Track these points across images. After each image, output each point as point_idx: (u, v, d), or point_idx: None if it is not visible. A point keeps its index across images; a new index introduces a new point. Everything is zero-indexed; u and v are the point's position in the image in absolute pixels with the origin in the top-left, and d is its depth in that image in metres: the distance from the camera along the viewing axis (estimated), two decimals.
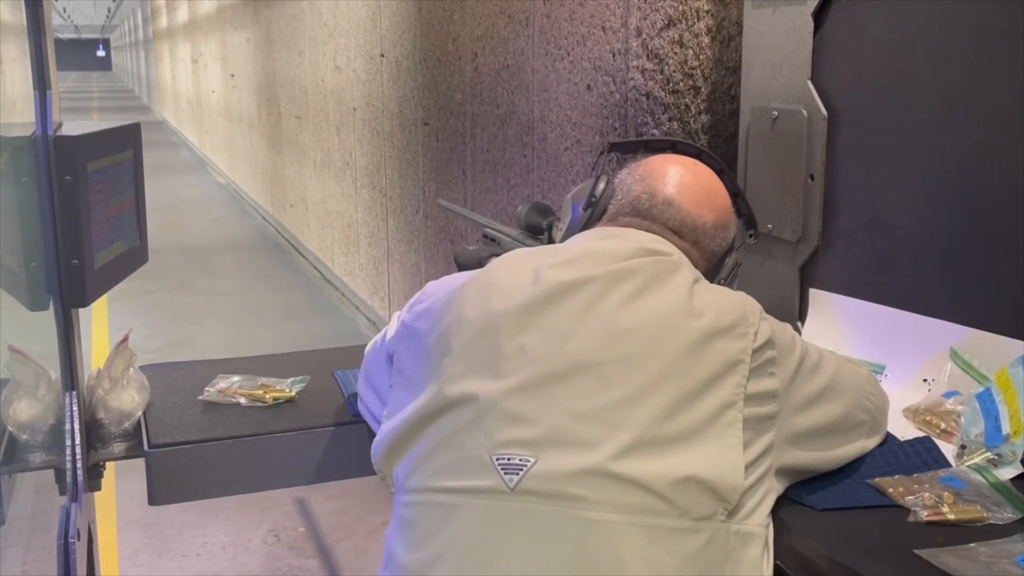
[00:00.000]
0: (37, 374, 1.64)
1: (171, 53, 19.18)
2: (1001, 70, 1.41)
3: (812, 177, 1.75)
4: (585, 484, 1.08)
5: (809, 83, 1.74)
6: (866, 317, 1.66)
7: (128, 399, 1.68)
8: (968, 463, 1.32)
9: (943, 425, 1.42)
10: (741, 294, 1.25)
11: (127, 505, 3.40)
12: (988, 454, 1.31)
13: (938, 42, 1.51)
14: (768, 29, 1.83)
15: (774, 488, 1.18)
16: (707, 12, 2.18)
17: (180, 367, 1.95)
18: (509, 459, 1.11)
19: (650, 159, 1.48)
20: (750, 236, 1.56)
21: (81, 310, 1.71)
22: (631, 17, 2.39)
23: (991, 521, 1.17)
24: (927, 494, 1.22)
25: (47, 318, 1.63)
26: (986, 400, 1.34)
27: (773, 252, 1.86)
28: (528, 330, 1.18)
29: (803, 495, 1.24)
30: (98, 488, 1.71)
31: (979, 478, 1.28)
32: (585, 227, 1.45)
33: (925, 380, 1.53)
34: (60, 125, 1.66)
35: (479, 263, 1.61)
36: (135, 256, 1.83)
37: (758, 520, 1.14)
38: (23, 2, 1.58)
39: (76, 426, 1.57)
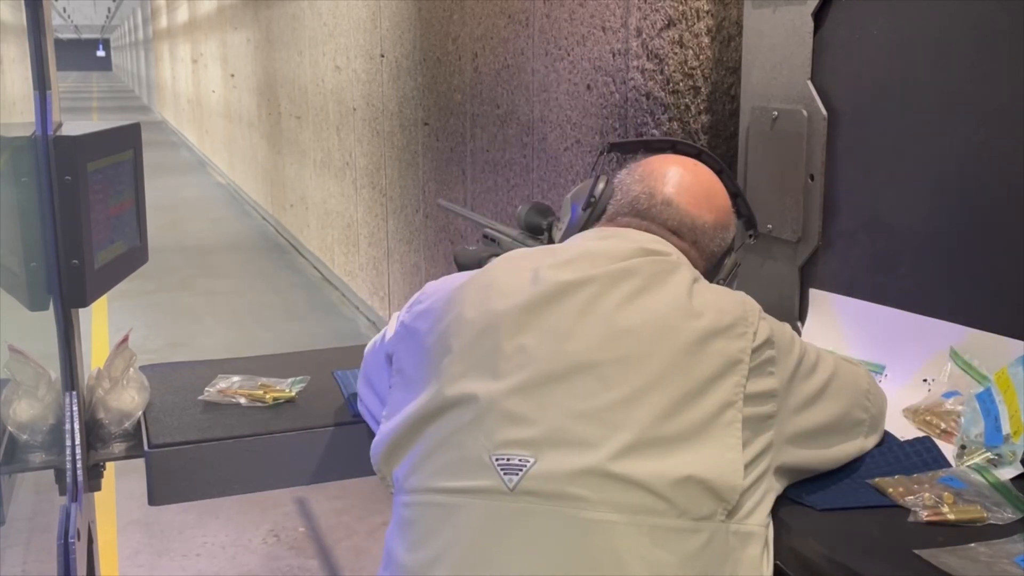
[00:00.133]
0: (37, 374, 1.64)
1: (171, 53, 19.18)
2: (1001, 70, 1.41)
3: (812, 177, 1.75)
4: (585, 484, 1.08)
5: (809, 83, 1.74)
6: (866, 317, 1.66)
7: (128, 399, 1.68)
8: (968, 463, 1.32)
9: (943, 425, 1.42)
10: (740, 294, 1.25)
11: (127, 505, 3.40)
12: (988, 454, 1.31)
13: (938, 42, 1.51)
14: (768, 29, 1.83)
15: (773, 488, 1.18)
16: (707, 12, 2.18)
17: (180, 367, 1.95)
18: (509, 459, 1.11)
19: (650, 159, 1.48)
20: (750, 236, 1.56)
21: (81, 310, 1.71)
22: (631, 17, 2.39)
23: (991, 521, 1.17)
24: (927, 494, 1.22)
25: (47, 318, 1.63)
26: (986, 400, 1.34)
27: (773, 252, 1.86)
28: (528, 330, 1.18)
29: (803, 495, 1.24)
30: (98, 488, 1.71)
31: (979, 478, 1.28)
32: (584, 227, 1.45)
33: (925, 380, 1.53)
34: (60, 125, 1.66)
35: (479, 263, 1.61)
36: (135, 256, 1.83)
37: (758, 520, 1.14)
38: (23, 2, 1.58)
39: (76, 426, 1.57)
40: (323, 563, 3.15)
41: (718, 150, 2.17)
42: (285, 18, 7.39)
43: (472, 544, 1.11)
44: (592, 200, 1.46)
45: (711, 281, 1.38)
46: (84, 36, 70.29)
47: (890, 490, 1.25)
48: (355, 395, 1.60)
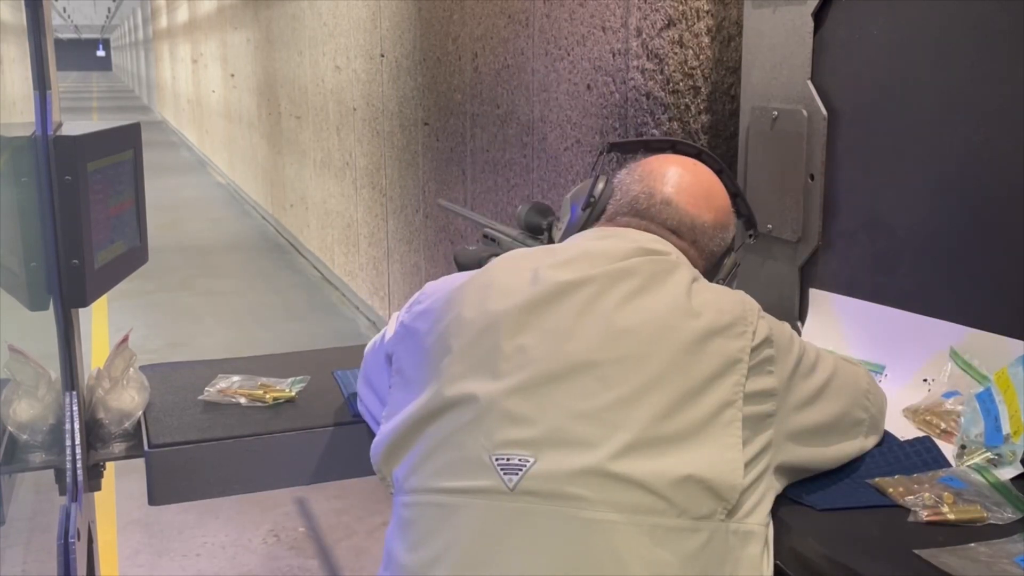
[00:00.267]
0: (37, 374, 1.64)
1: (171, 53, 19.18)
2: (1001, 70, 1.41)
3: (812, 177, 1.75)
4: (584, 484, 1.08)
5: (809, 83, 1.74)
6: (866, 317, 1.66)
7: (128, 399, 1.68)
8: (968, 463, 1.32)
9: (943, 425, 1.42)
10: (739, 293, 1.25)
11: (127, 505, 3.40)
12: (988, 454, 1.31)
13: (938, 42, 1.51)
14: (768, 29, 1.83)
15: (773, 487, 1.18)
16: (707, 12, 2.18)
17: (180, 367, 1.95)
18: (508, 459, 1.11)
19: (649, 159, 1.48)
20: (750, 236, 1.56)
21: (81, 310, 1.71)
22: (631, 17, 2.39)
23: (991, 521, 1.17)
24: (927, 494, 1.22)
25: (47, 318, 1.63)
26: (986, 400, 1.34)
27: (773, 252, 1.86)
28: (527, 330, 1.18)
29: (803, 495, 1.24)
30: (98, 488, 1.71)
31: (979, 478, 1.28)
32: (584, 227, 1.45)
33: (925, 380, 1.53)
34: (60, 125, 1.66)
35: (479, 263, 1.61)
36: (135, 256, 1.83)
37: (758, 519, 1.14)
38: (23, 2, 1.58)
39: (76, 426, 1.57)
40: (323, 563, 3.15)
41: (718, 150, 2.17)
42: (285, 18, 7.39)
43: (472, 544, 1.11)
44: (592, 200, 1.46)
45: (711, 281, 1.38)
46: (84, 36, 70.30)
47: (890, 490, 1.25)
48: (355, 395, 1.60)
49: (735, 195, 1.50)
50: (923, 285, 1.57)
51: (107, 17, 47.38)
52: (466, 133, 3.65)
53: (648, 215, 1.39)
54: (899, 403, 1.48)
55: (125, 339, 1.74)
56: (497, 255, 1.42)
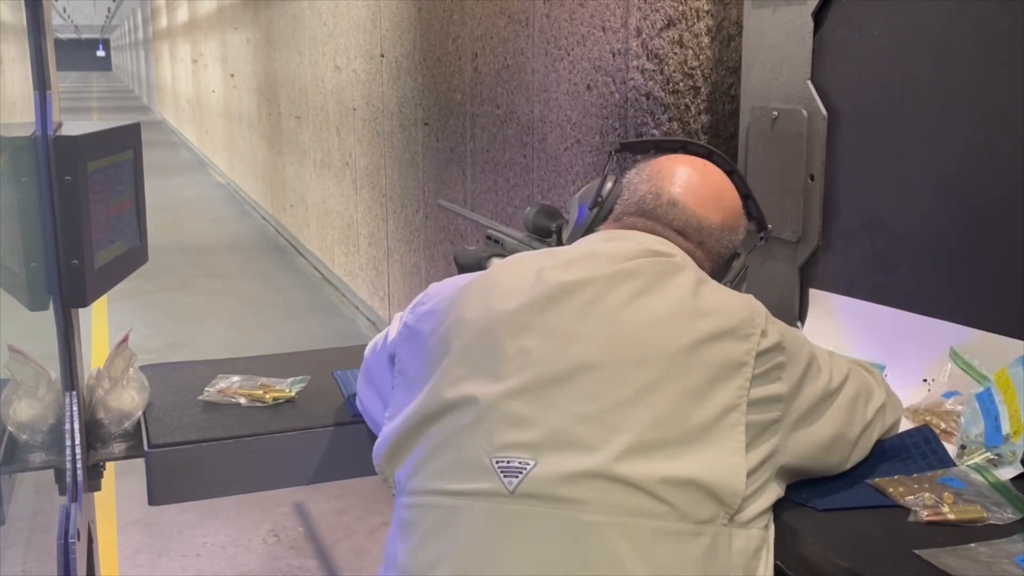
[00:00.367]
0: (37, 374, 1.64)
1: (171, 53, 19.17)
2: (1001, 70, 1.41)
3: (812, 177, 1.75)
4: (585, 487, 1.08)
5: (809, 83, 1.74)
6: (866, 317, 1.66)
7: (128, 399, 1.68)
8: (968, 463, 1.32)
9: (943, 425, 1.42)
10: (748, 296, 1.24)
11: (127, 505, 3.40)
12: (988, 454, 1.31)
13: (938, 42, 1.51)
14: (768, 29, 1.83)
15: (776, 491, 1.18)
16: (707, 12, 2.18)
17: (180, 367, 1.95)
18: (509, 462, 1.11)
19: (659, 159, 1.46)
20: (761, 239, 1.55)
21: (81, 310, 1.71)
22: (631, 17, 2.39)
23: (991, 521, 1.17)
24: (927, 494, 1.22)
25: (47, 318, 1.63)
26: (986, 400, 1.34)
27: (773, 252, 1.86)
28: (529, 332, 1.18)
29: (803, 495, 1.24)
30: (98, 488, 1.71)
31: (979, 478, 1.28)
32: (591, 226, 1.45)
33: (925, 380, 1.53)
34: (60, 125, 1.66)
35: (479, 263, 1.61)
36: (135, 256, 1.83)
37: (760, 523, 1.13)
38: (23, 2, 1.58)
39: (76, 426, 1.57)
40: (323, 563, 3.15)
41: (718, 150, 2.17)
42: (285, 18, 7.39)
43: (472, 547, 1.10)
44: (599, 200, 1.45)
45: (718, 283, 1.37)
46: (84, 36, 70.28)
47: (890, 490, 1.25)
48: (355, 395, 1.60)
49: (746, 197, 1.48)
50: (923, 285, 1.57)
51: (107, 17, 47.38)
52: (466, 133, 3.65)
53: (655, 215, 1.38)
54: None
55: (125, 339, 1.74)
56: (497, 255, 1.42)
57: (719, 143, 2.22)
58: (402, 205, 4.73)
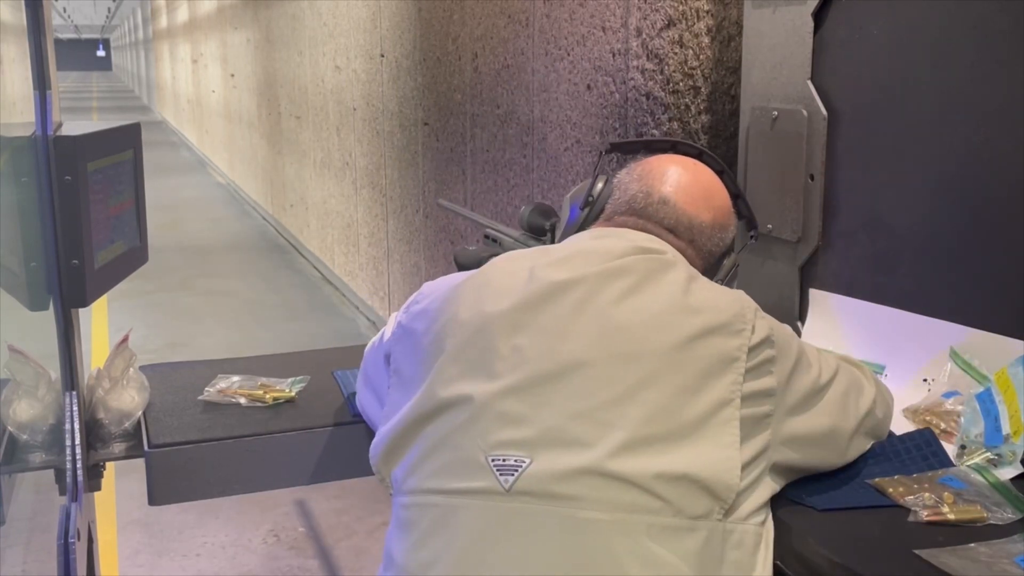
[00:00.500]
0: (37, 374, 1.64)
1: (171, 53, 19.18)
2: (1001, 70, 1.41)
3: (812, 177, 1.75)
4: (580, 484, 1.08)
5: (809, 83, 1.74)
6: (866, 317, 1.66)
7: (128, 399, 1.68)
8: (968, 463, 1.32)
9: (943, 425, 1.42)
10: (738, 292, 1.25)
11: (127, 505, 3.40)
12: (988, 454, 1.31)
13: (938, 42, 1.51)
14: (768, 29, 1.83)
15: (771, 486, 1.18)
16: (707, 12, 2.18)
17: (180, 367, 1.95)
18: (504, 460, 1.11)
19: (650, 159, 1.48)
20: (751, 238, 1.56)
21: (81, 310, 1.71)
22: (631, 17, 2.39)
23: (991, 521, 1.17)
24: (927, 494, 1.22)
25: (47, 318, 1.63)
26: (986, 400, 1.34)
27: (773, 252, 1.86)
28: (523, 330, 1.18)
29: (803, 495, 1.24)
30: (98, 488, 1.71)
31: (979, 478, 1.28)
32: (582, 226, 1.46)
33: (925, 380, 1.53)
34: (60, 125, 1.66)
35: (479, 263, 1.61)
36: (135, 256, 1.83)
37: (756, 519, 1.13)
38: (23, 2, 1.58)
39: (76, 426, 1.57)
40: (323, 563, 3.15)
41: (718, 150, 2.17)
42: (285, 18, 7.39)
43: (469, 545, 1.11)
44: (590, 199, 1.46)
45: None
46: (84, 36, 70.29)
47: (890, 490, 1.25)
48: (355, 395, 1.60)
49: (736, 196, 1.49)
50: (923, 285, 1.57)
51: (107, 17, 47.39)
52: (466, 133, 3.65)
53: (645, 214, 1.39)
54: (899, 403, 1.48)
55: (125, 339, 1.74)
56: (497, 255, 1.42)
57: (719, 143, 2.22)
58: (402, 205, 4.73)
